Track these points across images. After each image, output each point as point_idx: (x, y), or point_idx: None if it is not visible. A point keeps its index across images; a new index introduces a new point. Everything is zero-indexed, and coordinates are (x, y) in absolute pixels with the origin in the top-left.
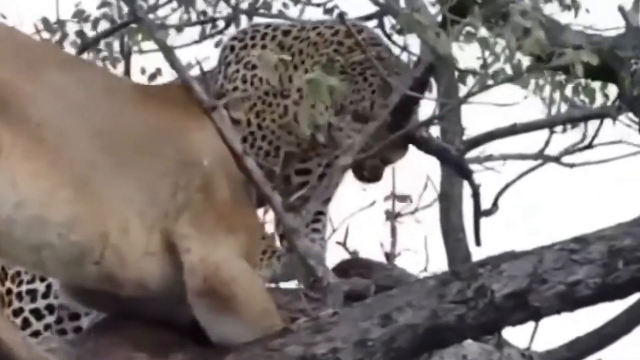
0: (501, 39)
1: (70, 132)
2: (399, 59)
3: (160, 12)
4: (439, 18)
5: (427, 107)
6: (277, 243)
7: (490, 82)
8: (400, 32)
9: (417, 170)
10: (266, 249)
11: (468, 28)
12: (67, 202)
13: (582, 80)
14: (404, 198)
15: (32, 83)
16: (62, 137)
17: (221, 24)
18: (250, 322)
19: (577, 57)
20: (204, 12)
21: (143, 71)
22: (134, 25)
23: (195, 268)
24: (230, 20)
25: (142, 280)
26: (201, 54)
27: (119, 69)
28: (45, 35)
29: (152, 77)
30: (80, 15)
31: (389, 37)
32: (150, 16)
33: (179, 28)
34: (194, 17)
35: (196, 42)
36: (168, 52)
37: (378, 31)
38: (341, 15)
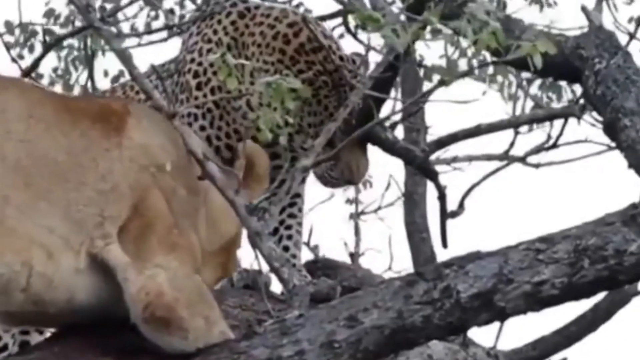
0: (458, 34)
1: None
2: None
3: (128, 11)
4: (403, 17)
5: (390, 108)
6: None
7: (446, 77)
8: (365, 29)
9: (380, 169)
10: None
11: (435, 25)
12: None
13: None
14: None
15: None
16: None
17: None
18: (197, 334)
19: (535, 48)
20: (172, 11)
21: (106, 73)
22: None
23: (135, 298)
24: (197, 19)
25: (72, 297)
26: (168, 52)
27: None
28: (8, 38)
29: (115, 79)
30: (50, 15)
31: (353, 35)
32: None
33: (147, 31)
34: (161, 14)
35: (164, 40)
36: (126, 60)
37: (342, 29)
38: (304, 19)
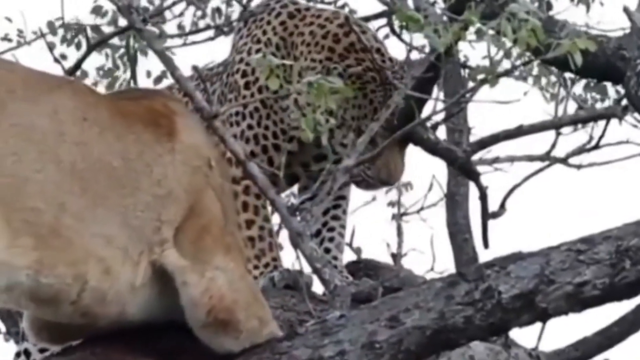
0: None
1: (33, 175)
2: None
3: (174, 10)
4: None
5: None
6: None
7: (487, 77)
8: (408, 30)
9: (423, 170)
10: (269, 261)
11: (478, 25)
12: (29, 248)
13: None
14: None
15: None
16: (21, 182)
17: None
18: (250, 335)
19: (575, 46)
20: (218, 10)
21: (149, 74)
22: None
23: (197, 302)
24: (243, 19)
25: (123, 312)
26: (215, 52)
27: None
28: (50, 38)
29: (158, 80)
30: (98, 12)
31: (398, 35)
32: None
33: (191, 30)
34: (208, 13)
35: (210, 39)
36: (167, 62)
37: (387, 30)
38: (347, 18)
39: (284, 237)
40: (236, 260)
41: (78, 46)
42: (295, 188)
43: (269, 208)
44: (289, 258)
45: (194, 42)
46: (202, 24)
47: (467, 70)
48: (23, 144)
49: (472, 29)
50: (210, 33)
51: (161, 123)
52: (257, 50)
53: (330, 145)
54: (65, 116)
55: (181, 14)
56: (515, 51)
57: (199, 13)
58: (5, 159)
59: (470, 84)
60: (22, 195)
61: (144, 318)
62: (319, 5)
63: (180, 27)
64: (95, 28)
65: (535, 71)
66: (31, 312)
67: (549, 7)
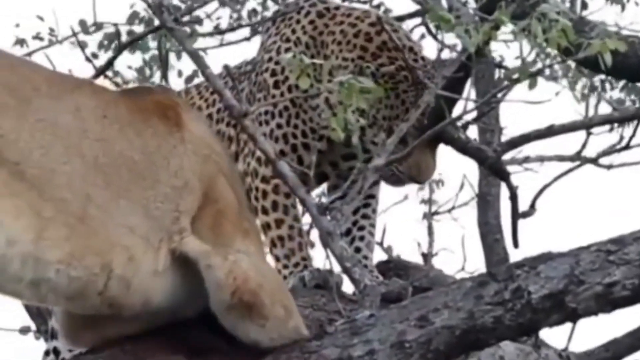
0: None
1: (59, 167)
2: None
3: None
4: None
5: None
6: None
7: (518, 76)
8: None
9: (454, 170)
10: (299, 261)
11: (511, 26)
12: (60, 239)
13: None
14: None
15: (12, 119)
16: (49, 173)
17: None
18: (276, 324)
19: (605, 46)
20: (254, 11)
21: (180, 74)
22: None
23: (222, 284)
24: (273, 19)
25: (147, 300)
26: (252, 51)
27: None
28: (82, 36)
29: (189, 79)
30: (135, 18)
31: (433, 35)
32: (199, 12)
33: (221, 30)
34: (244, 15)
35: (246, 39)
36: (198, 61)
37: (422, 29)
38: (379, 17)
39: (314, 236)
40: (256, 245)
41: (108, 47)
42: (324, 187)
43: (299, 207)
44: (319, 257)
45: (230, 43)
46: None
47: (502, 70)
48: (49, 138)
49: (507, 29)
50: (246, 33)
51: (169, 115)
52: (287, 49)
53: (362, 143)
54: (87, 114)
55: (212, 14)
56: (552, 51)
57: (235, 15)
58: (33, 151)
59: (503, 84)
60: (50, 186)
61: (169, 306)
62: (353, 4)
63: (217, 28)
64: (131, 33)
65: (568, 74)
66: (58, 307)
67: (585, 6)
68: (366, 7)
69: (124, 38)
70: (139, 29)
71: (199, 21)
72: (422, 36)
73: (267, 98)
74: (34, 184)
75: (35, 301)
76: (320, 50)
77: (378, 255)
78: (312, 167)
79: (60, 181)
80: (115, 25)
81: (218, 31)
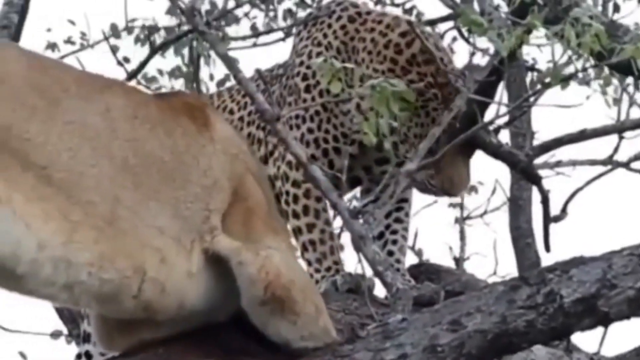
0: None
1: (88, 169)
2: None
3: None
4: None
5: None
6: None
7: (550, 80)
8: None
9: (486, 174)
10: (331, 265)
11: (543, 30)
12: (90, 241)
13: None
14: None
15: (40, 122)
16: (77, 176)
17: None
18: (307, 321)
19: (638, 51)
20: (290, 12)
21: (212, 77)
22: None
23: (255, 279)
24: (304, 22)
25: (182, 302)
26: (287, 52)
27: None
28: (113, 40)
29: (221, 83)
30: (172, 13)
31: (466, 39)
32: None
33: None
34: (280, 15)
35: (281, 39)
36: (230, 64)
37: (454, 33)
38: (410, 23)
39: (346, 240)
40: (287, 242)
41: (145, 42)
42: (356, 191)
43: (330, 212)
44: (352, 261)
45: (264, 44)
46: (274, 27)
47: (534, 74)
48: (77, 140)
49: (539, 32)
50: (280, 34)
51: (197, 115)
52: (318, 54)
53: (394, 147)
54: (117, 114)
55: (248, 16)
56: (584, 54)
57: (272, 14)
58: (61, 154)
59: (537, 88)
60: (78, 189)
61: (202, 308)
62: (387, 8)
63: (253, 29)
64: (169, 29)
65: (600, 78)
66: (93, 311)
67: (617, 8)
68: (398, 11)
69: (160, 35)
70: (175, 22)
71: (236, 20)
72: (454, 40)
73: (298, 102)
74: (61, 188)
75: (70, 304)
76: (351, 56)
77: (410, 259)
78: (344, 171)
79: (88, 184)
80: (149, 27)
81: (250, 35)
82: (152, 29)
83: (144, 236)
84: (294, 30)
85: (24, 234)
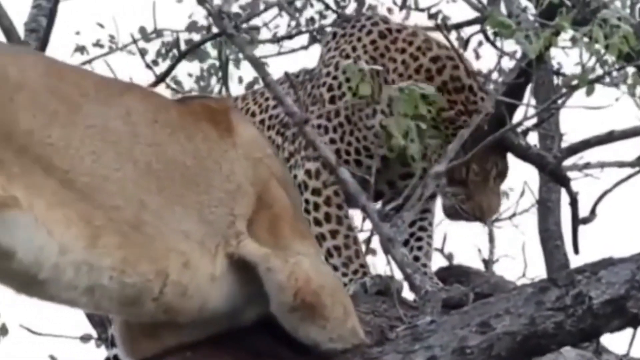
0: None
1: (111, 174)
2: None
3: (267, 19)
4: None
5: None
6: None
7: (578, 82)
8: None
9: (515, 177)
10: (358, 268)
11: (569, 33)
12: (113, 246)
13: None
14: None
15: (62, 127)
16: (100, 181)
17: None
18: (336, 324)
19: None
20: (312, 19)
21: (240, 80)
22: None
23: (284, 286)
24: (333, 26)
25: (204, 305)
26: (310, 59)
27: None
28: (142, 44)
29: (250, 86)
30: (193, 28)
31: (492, 42)
32: (256, 21)
33: (281, 37)
34: (302, 23)
35: (304, 47)
36: (258, 67)
37: (479, 37)
38: (441, 25)
39: (375, 243)
40: (315, 247)
41: (166, 56)
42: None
43: (354, 215)
44: (381, 264)
45: (289, 51)
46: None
47: (560, 77)
48: (100, 144)
49: (565, 36)
50: (304, 41)
51: (219, 119)
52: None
53: (423, 149)
54: (138, 118)
55: (274, 23)
56: (607, 57)
57: (294, 23)
58: (84, 158)
59: (563, 91)
60: (102, 194)
61: (225, 311)
62: (413, 13)
63: (275, 37)
64: (190, 42)
65: (629, 79)
66: (114, 314)
67: None
68: (423, 16)
69: (183, 47)
70: (197, 37)
71: (257, 29)
72: (480, 43)
73: (322, 112)
74: (84, 192)
75: (90, 309)
76: (382, 84)
77: (439, 262)
78: (373, 173)
79: (112, 188)
80: (176, 32)
81: (277, 38)
82: (172, 43)
83: (168, 240)
84: (318, 36)
85: (46, 240)
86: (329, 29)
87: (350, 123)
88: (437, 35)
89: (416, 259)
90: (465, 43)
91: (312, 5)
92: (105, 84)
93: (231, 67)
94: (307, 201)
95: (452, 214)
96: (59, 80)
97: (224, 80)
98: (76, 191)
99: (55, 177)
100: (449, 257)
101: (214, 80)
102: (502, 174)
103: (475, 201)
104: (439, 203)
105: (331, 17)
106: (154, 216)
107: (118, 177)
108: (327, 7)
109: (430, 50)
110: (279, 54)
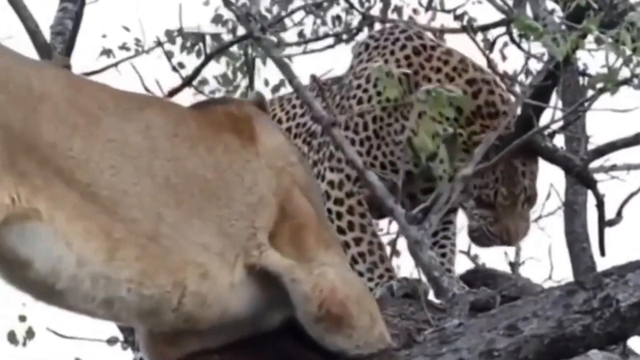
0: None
1: (130, 187)
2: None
3: (294, 18)
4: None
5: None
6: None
7: (606, 85)
8: (527, 38)
9: (541, 179)
10: (383, 272)
11: (597, 34)
12: (131, 259)
13: None
14: None
15: (83, 140)
16: (120, 194)
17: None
18: (361, 332)
19: None
20: (338, 17)
21: (266, 82)
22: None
23: (309, 297)
24: (362, 26)
25: (224, 312)
26: (336, 59)
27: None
28: (168, 46)
29: (276, 88)
30: (218, 20)
31: (517, 44)
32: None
33: (309, 38)
34: (328, 22)
35: (330, 47)
36: (285, 70)
37: (505, 38)
38: (467, 27)
39: (402, 246)
40: (340, 255)
41: (198, 54)
42: None
43: (382, 223)
44: (408, 266)
45: (313, 51)
46: (322, 32)
47: (586, 79)
48: (119, 158)
49: (591, 38)
50: (330, 41)
51: (241, 128)
52: (377, 79)
53: (449, 154)
54: (157, 132)
55: (301, 23)
56: (634, 59)
57: (319, 21)
58: (104, 172)
59: (590, 93)
60: (121, 207)
61: (246, 317)
62: (439, 14)
63: (301, 35)
64: (215, 36)
65: None
66: (134, 325)
67: None
68: (449, 17)
69: (209, 41)
70: (224, 35)
71: (284, 29)
72: (505, 45)
73: (349, 124)
74: (104, 205)
75: (109, 320)
76: (413, 90)
77: (465, 265)
78: (401, 176)
79: (131, 202)
80: (203, 35)
81: (304, 40)
82: (199, 37)
83: (186, 253)
84: (345, 36)
85: (65, 252)
86: (358, 38)
87: (378, 137)
88: (464, 38)
89: (440, 264)
90: (491, 45)
91: (337, 3)
92: (123, 97)
93: (259, 64)
94: (329, 211)
95: (478, 237)
96: (78, 93)
97: (251, 83)
98: (97, 204)
99: (76, 190)
100: (475, 259)
101: (239, 80)
102: (530, 199)
103: (503, 225)
104: (463, 220)
105: (357, 16)
106: (171, 229)
107: (137, 190)
108: (352, 6)
109: (466, 72)
110: (304, 52)
